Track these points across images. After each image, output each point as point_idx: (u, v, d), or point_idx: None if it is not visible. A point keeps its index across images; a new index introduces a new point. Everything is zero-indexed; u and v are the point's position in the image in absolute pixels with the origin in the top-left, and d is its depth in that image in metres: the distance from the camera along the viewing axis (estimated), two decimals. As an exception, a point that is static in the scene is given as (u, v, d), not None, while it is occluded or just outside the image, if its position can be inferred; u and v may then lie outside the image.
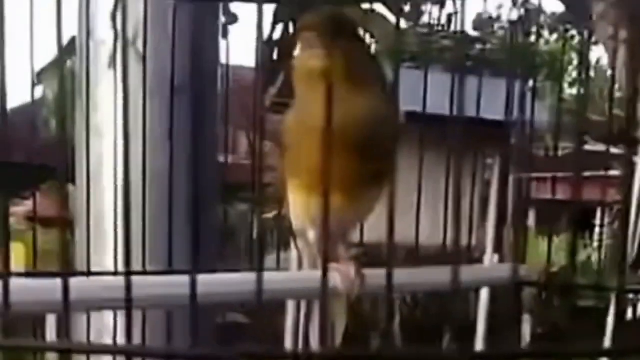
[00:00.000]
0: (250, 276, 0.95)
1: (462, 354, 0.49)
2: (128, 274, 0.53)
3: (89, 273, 1.21)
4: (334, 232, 0.97)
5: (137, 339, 1.20)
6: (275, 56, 2.24)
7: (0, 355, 0.52)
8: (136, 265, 1.25)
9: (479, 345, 2.05)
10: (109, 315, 1.30)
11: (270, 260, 1.52)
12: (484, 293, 2.35)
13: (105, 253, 1.33)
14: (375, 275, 0.95)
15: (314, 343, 1.11)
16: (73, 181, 1.43)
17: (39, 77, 2.16)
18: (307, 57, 0.91)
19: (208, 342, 1.29)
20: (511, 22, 1.28)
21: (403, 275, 0.96)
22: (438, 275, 0.97)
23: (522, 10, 1.23)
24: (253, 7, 1.27)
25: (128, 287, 0.53)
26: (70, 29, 1.48)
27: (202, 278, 0.53)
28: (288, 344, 2.42)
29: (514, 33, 1.34)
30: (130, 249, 0.53)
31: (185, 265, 1.28)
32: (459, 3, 1.19)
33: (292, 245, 1.10)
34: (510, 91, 1.28)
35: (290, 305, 2.04)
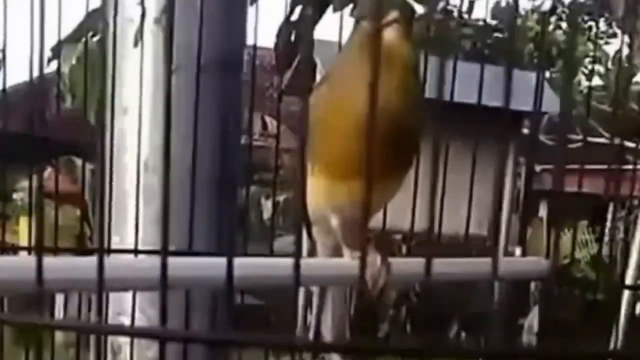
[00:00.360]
0: (277, 261, 0.95)
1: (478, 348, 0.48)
2: (165, 253, 0.52)
3: (109, 251, 1.20)
4: (357, 219, 0.96)
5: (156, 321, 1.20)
6: (292, 38, 2.22)
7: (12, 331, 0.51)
8: (155, 246, 1.25)
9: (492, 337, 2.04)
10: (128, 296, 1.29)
11: (281, 242, 1.51)
12: (497, 286, 2.34)
13: (127, 231, 1.32)
14: (401, 264, 0.94)
15: (327, 333, 1.10)
16: (90, 158, 1.42)
17: (54, 52, 2.15)
18: (392, 36, 0.88)
19: (224, 325, 1.28)
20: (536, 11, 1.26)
21: (437, 266, 0.95)
22: (475, 267, 0.96)
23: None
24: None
25: (164, 266, 0.52)
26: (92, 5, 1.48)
27: (241, 261, 0.52)
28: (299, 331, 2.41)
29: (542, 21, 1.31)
30: (168, 229, 0.52)
31: (205, 246, 1.27)
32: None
33: (305, 232, 1.08)
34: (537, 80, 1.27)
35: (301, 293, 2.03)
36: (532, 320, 5.06)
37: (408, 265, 0.98)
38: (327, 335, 1.08)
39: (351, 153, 0.87)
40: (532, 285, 5.03)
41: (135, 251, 1.23)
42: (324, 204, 0.99)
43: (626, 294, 2.07)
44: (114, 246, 1.27)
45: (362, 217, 0.47)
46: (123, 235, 1.32)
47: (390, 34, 0.88)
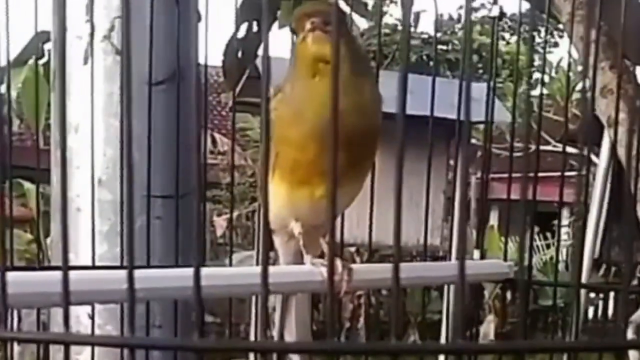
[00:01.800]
0: (238, 271, 0.95)
1: (426, 346, 0.50)
2: (131, 268, 0.52)
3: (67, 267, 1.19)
4: (318, 223, 0.97)
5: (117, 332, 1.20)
6: (239, 55, 2.23)
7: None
8: (114, 261, 1.24)
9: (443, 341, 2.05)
10: (84, 313, 1.29)
11: (235, 258, 1.51)
12: (451, 290, 2.36)
13: (81, 247, 1.32)
14: (363, 271, 0.95)
15: (290, 336, 1.11)
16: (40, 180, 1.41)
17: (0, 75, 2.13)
18: (315, 41, 0.91)
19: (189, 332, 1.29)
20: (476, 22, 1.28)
21: (404, 271, 0.97)
22: (437, 271, 0.97)
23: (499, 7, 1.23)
24: (216, 7, 1.27)
25: (130, 279, 0.52)
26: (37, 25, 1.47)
27: (188, 271, 0.53)
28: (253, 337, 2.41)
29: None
30: (133, 244, 0.53)
31: (163, 261, 1.27)
32: (423, 4, 1.20)
33: (259, 240, 1.08)
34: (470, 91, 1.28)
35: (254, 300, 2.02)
36: (488, 327, 5.11)
37: (371, 270, 0.99)
38: (291, 338, 1.08)
39: (308, 160, 0.88)
40: (486, 292, 5.09)
41: (93, 267, 1.22)
42: (286, 211, 1.00)
43: (581, 296, 2.11)
44: (69, 263, 1.25)
45: (328, 221, 0.48)
46: (77, 251, 1.32)
47: (311, 41, 0.90)
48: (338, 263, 0.94)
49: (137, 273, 0.52)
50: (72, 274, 0.55)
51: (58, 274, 0.51)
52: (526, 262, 1.25)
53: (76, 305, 1.09)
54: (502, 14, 1.26)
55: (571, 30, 1.54)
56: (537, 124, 1.58)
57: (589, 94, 1.55)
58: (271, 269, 1.00)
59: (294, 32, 0.97)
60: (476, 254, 1.24)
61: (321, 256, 0.99)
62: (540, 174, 1.26)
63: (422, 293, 1.43)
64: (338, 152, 0.86)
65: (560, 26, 1.79)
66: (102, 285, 0.71)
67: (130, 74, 0.52)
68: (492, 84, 1.26)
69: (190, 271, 0.51)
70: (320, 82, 0.88)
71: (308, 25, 0.91)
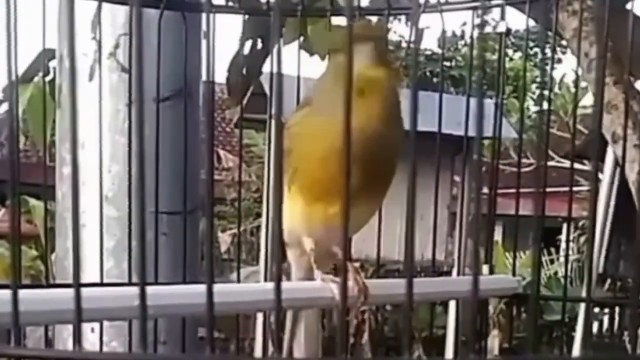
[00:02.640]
0: (247, 287, 0.95)
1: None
2: (143, 284, 0.52)
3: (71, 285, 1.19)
4: (331, 241, 0.97)
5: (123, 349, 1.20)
6: (244, 71, 2.23)
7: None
8: (121, 278, 1.24)
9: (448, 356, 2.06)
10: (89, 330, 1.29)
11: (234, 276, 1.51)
12: (452, 306, 2.35)
13: (88, 265, 1.32)
14: (377, 287, 0.95)
15: (299, 352, 1.11)
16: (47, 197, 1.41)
17: (5, 93, 2.14)
18: (366, 64, 0.89)
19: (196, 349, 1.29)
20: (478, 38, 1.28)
21: (423, 285, 0.97)
22: (446, 287, 0.97)
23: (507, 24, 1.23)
24: (220, 24, 1.28)
25: (143, 296, 0.52)
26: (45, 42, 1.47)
27: (197, 288, 0.52)
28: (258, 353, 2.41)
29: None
30: (145, 261, 0.53)
31: (165, 277, 1.27)
32: (427, 21, 1.20)
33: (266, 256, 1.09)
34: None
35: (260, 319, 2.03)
36: (493, 342, 5.10)
37: (383, 286, 0.99)
38: (299, 354, 1.08)
39: (329, 177, 0.88)
40: (491, 308, 5.08)
41: (102, 284, 1.22)
42: (300, 227, 0.99)
43: (582, 310, 2.11)
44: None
45: (342, 239, 0.48)
46: (84, 268, 1.32)
47: (363, 64, 0.89)
48: (352, 280, 0.94)
49: (147, 290, 0.52)
50: (83, 291, 0.55)
51: (67, 291, 0.51)
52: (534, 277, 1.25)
53: (86, 322, 1.10)
54: (509, 30, 1.26)
55: (579, 47, 1.54)
56: (543, 140, 1.58)
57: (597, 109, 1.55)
58: (285, 285, 1.01)
59: (331, 52, 0.96)
60: (485, 269, 1.23)
61: (333, 272, 0.99)
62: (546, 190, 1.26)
63: (430, 308, 1.42)
64: (360, 172, 0.87)
65: (564, 42, 1.79)
66: (111, 302, 0.71)
67: (142, 90, 0.53)
68: (499, 100, 1.26)
69: (198, 287, 0.50)
70: (365, 102, 0.88)
71: (361, 50, 0.90)
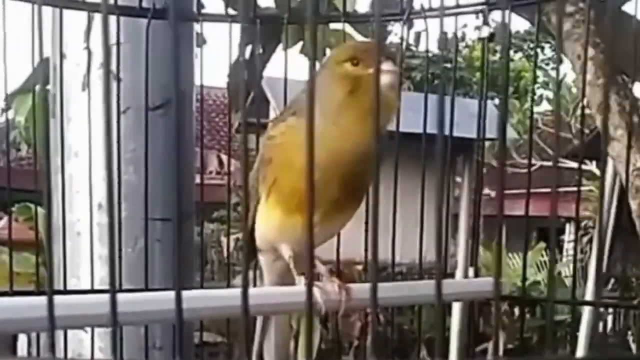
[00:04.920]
0: (233, 292, 0.96)
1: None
2: (113, 291, 0.53)
3: (65, 292, 1.21)
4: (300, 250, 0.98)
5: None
6: (245, 76, 2.25)
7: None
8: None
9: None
10: (87, 337, 1.30)
11: (239, 280, 1.52)
12: (456, 308, 2.36)
13: (83, 272, 1.33)
14: (361, 290, 0.96)
15: (269, 358, 1.11)
16: (41, 203, 1.43)
17: (7, 101, 2.15)
18: (388, 77, 0.91)
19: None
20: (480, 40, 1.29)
21: (388, 290, 0.98)
22: (423, 290, 0.98)
23: (491, 29, 1.25)
24: (221, 29, 1.29)
25: (113, 303, 0.53)
26: (43, 52, 1.48)
27: (186, 294, 0.54)
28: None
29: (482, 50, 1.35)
30: (115, 266, 0.54)
31: (162, 283, 1.28)
32: (428, 22, 1.21)
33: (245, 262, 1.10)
34: (479, 109, 1.30)
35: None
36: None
37: (394, 289, 1.00)
38: (270, 359, 1.09)
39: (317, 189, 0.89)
40: (494, 308, 5.05)
41: (92, 291, 1.23)
42: (277, 235, 1.01)
43: (586, 311, 2.10)
44: (71, 288, 1.27)
45: (307, 249, 0.49)
46: (79, 275, 1.34)
47: (384, 84, 0.91)
48: (334, 284, 0.95)
49: (134, 296, 0.54)
50: (68, 297, 0.56)
51: (39, 299, 0.52)
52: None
53: (73, 329, 1.11)
54: (492, 35, 1.27)
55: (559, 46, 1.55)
56: (539, 139, 1.58)
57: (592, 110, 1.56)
58: (264, 290, 1.02)
59: (350, 61, 0.96)
60: (470, 271, 1.24)
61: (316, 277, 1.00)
62: (544, 190, 1.27)
63: (440, 310, 1.42)
64: (341, 183, 0.89)
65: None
66: (96, 309, 0.72)
67: (110, 99, 0.54)
68: (483, 101, 1.27)
69: (168, 294, 0.52)
70: (364, 121, 0.89)
71: (386, 66, 0.91)
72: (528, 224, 1.28)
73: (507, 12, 1.22)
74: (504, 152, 0.52)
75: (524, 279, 1.28)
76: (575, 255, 4.22)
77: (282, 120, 0.99)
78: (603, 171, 1.31)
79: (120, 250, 1.25)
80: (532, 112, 1.88)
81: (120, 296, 0.54)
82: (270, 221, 1.00)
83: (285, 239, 1.00)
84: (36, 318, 0.69)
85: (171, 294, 0.79)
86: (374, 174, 0.51)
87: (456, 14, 1.18)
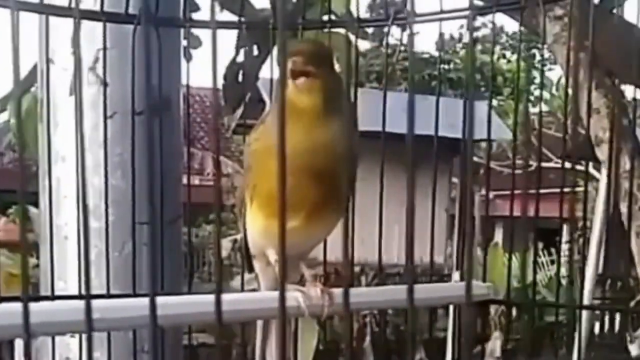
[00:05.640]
0: (210, 298, 0.97)
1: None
2: (88, 297, 0.54)
3: (53, 297, 1.21)
4: (293, 253, 0.99)
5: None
6: (239, 78, 2.26)
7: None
8: (100, 289, 1.26)
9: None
10: (74, 341, 1.31)
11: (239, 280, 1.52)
12: (452, 310, 2.37)
13: (70, 276, 1.34)
14: (362, 293, 0.96)
15: None
16: (36, 205, 1.44)
17: (2, 104, 2.16)
18: (295, 87, 0.93)
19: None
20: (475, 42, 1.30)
21: (371, 294, 0.98)
22: (398, 294, 0.99)
23: (478, 33, 1.25)
24: (218, 30, 1.29)
25: (88, 310, 0.54)
26: (32, 56, 1.49)
27: (162, 300, 0.54)
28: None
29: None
30: (89, 272, 0.54)
31: (147, 287, 1.29)
32: (424, 24, 1.22)
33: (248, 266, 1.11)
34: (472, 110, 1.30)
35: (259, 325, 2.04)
36: (495, 344, 5.10)
37: (368, 293, 1.01)
38: None
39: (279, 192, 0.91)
40: (492, 309, 5.08)
41: (80, 296, 1.24)
42: (263, 241, 1.02)
43: (584, 313, 2.11)
44: (59, 291, 1.27)
45: (279, 254, 0.49)
46: (66, 279, 1.34)
47: (291, 85, 0.92)
48: (317, 289, 0.96)
49: (120, 302, 0.54)
50: (52, 304, 0.56)
51: (40, 305, 0.53)
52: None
53: (58, 335, 1.11)
54: (476, 39, 1.27)
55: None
56: (537, 141, 1.59)
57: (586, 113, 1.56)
58: (247, 295, 1.03)
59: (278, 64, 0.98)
60: (456, 275, 1.25)
61: (301, 281, 1.01)
62: (542, 191, 1.27)
63: (430, 312, 1.43)
64: (310, 187, 0.90)
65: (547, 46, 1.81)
66: (68, 316, 0.73)
67: (82, 102, 0.54)
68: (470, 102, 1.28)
69: (168, 299, 0.52)
70: (294, 123, 0.90)
71: (290, 65, 0.92)
72: (541, 224, 1.29)
73: (494, 15, 1.23)
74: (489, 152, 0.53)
75: (509, 281, 1.29)
76: (571, 258, 4.23)
77: (261, 122, 1.01)
78: (587, 173, 1.31)
79: (107, 254, 1.25)
80: (527, 112, 1.88)
81: (109, 301, 0.54)
82: (255, 226, 1.01)
83: (270, 244, 1.01)
84: (17, 325, 0.70)
85: (156, 299, 0.80)
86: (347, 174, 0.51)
87: (440, 20, 1.19)
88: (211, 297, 0.97)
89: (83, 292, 1.23)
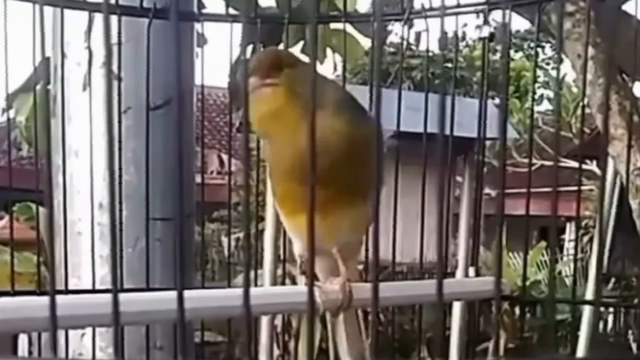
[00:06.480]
0: (234, 292, 0.96)
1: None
2: (116, 290, 0.53)
3: (67, 292, 1.20)
4: (321, 249, 0.97)
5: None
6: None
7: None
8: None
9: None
10: (87, 337, 1.30)
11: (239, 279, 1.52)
12: (457, 307, 2.36)
13: (83, 272, 1.34)
14: (363, 290, 0.96)
15: (344, 355, 1.11)
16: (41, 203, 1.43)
17: (8, 101, 2.16)
18: (255, 101, 0.91)
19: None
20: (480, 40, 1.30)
21: (390, 290, 0.98)
22: (423, 289, 0.98)
23: (491, 28, 1.25)
24: (222, 29, 1.29)
25: (115, 302, 0.53)
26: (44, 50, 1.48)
27: (189, 294, 0.54)
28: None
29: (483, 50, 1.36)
30: (117, 265, 0.54)
31: (160, 283, 1.29)
32: (429, 22, 1.21)
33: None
34: (480, 108, 1.30)
35: (265, 322, 2.03)
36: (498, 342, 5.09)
37: (368, 289, 1.00)
38: (345, 357, 1.08)
39: (290, 191, 0.91)
40: (494, 308, 5.06)
41: (93, 291, 1.23)
42: (289, 234, 1.03)
43: (587, 310, 2.10)
44: (72, 287, 1.27)
45: (309, 247, 0.49)
46: (80, 275, 1.34)
47: (257, 103, 0.91)
48: (334, 286, 0.95)
49: (136, 296, 0.54)
50: (70, 297, 0.56)
51: (42, 299, 0.52)
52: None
53: (75, 329, 1.11)
54: (492, 35, 1.27)
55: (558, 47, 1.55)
56: (540, 139, 1.58)
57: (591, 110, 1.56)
58: (266, 290, 1.02)
59: None
60: (471, 271, 1.24)
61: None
62: (545, 189, 1.27)
63: (444, 310, 1.43)
64: (315, 187, 0.89)
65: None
66: (92, 309, 0.73)
67: (112, 97, 0.54)
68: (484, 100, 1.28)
69: (170, 294, 0.52)
70: (281, 130, 0.90)
71: (249, 88, 0.91)
72: (528, 223, 1.28)
73: (507, 11, 1.22)
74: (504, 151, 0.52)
75: (524, 278, 1.28)
76: (575, 254, 4.23)
77: None
78: (604, 171, 1.31)
79: (121, 250, 1.25)
80: (532, 112, 1.87)
81: (123, 296, 0.54)
82: (283, 221, 1.02)
83: (295, 237, 1.01)
84: (38, 318, 0.69)
85: (173, 293, 0.80)
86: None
87: (457, 14, 1.18)
88: (231, 291, 0.98)
89: (97, 287, 1.23)
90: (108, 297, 0.87)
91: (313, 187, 0.50)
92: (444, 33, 1.31)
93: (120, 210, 1.26)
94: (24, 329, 0.97)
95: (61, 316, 0.53)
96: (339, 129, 0.93)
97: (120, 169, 1.25)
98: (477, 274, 1.25)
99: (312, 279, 0.53)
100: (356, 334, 1.10)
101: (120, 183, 1.24)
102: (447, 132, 1.22)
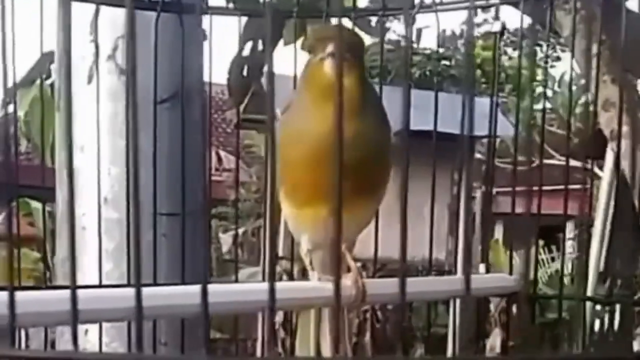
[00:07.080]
0: (244, 287, 0.96)
1: None
2: (138, 285, 0.53)
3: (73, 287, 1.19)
4: (326, 244, 0.97)
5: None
6: (244, 72, 2.25)
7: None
8: (121, 279, 1.25)
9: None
10: (94, 333, 1.30)
11: (241, 274, 1.51)
12: (457, 305, 2.36)
13: (87, 267, 1.33)
14: (376, 286, 0.95)
15: (326, 349, 1.10)
16: (41, 199, 1.42)
17: (8, 95, 2.15)
18: (333, 67, 0.88)
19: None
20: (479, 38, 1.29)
21: (421, 284, 0.97)
22: (443, 286, 0.98)
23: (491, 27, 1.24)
24: (222, 25, 1.28)
25: (138, 297, 0.52)
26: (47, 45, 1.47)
27: (212, 288, 0.53)
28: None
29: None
30: (140, 259, 0.53)
31: (165, 278, 1.28)
32: (426, 19, 1.21)
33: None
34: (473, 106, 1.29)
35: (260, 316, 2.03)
36: (495, 340, 5.09)
37: (379, 285, 0.99)
38: (327, 351, 1.07)
39: (309, 181, 0.89)
40: (492, 306, 5.07)
41: (100, 286, 1.22)
42: (294, 230, 1.01)
43: (587, 308, 2.11)
44: (77, 283, 1.26)
45: (334, 240, 0.48)
46: (84, 270, 1.33)
47: (327, 67, 0.89)
48: (347, 281, 0.94)
49: (144, 291, 0.53)
50: (80, 292, 0.55)
51: (65, 293, 0.51)
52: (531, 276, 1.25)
53: (83, 323, 1.10)
54: (504, 29, 1.27)
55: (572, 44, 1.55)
56: (540, 138, 1.59)
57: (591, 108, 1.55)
58: (278, 285, 1.01)
59: (309, 51, 0.95)
60: (481, 268, 1.24)
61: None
62: (545, 188, 1.27)
63: (428, 307, 1.42)
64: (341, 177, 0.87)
65: (562, 40, 1.79)
66: (109, 303, 0.72)
67: (135, 91, 0.53)
68: (495, 98, 1.27)
69: (196, 288, 0.51)
70: (327, 107, 0.87)
71: (329, 49, 0.90)
72: (538, 220, 1.28)
73: (521, 6, 1.22)
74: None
75: (536, 275, 1.28)
76: (562, 253, 4.22)
77: (286, 108, 0.99)
78: (617, 166, 1.30)
79: (127, 245, 1.24)
80: (531, 109, 1.87)
81: (146, 290, 0.53)
82: (289, 216, 0.99)
83: (303, 233, 1.00)
84: (38, 313, 0.69)
85: (185, 288, 0.79)
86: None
87: (468, 8, 1.17)
88: (243, 286, 0.97)
89: (105, 282, 1.23)
90: (116, 291, 0.87)
91: (340, 177, 0.49)
92: (442, 31, 1.31)
93: (127, 205, 1.25)
94: (30, 324, 0.96)
95: (64, 311, 0.53)
96: (383, 129, 0.93)
97: (128, 164, 1.24)
98: (488, 271, 1.25)
99: (338, 274, 0.52)
100: (341, 332, 1.10)
101: (127, 178, 1.23)
102: (439, 129, 1.22)
